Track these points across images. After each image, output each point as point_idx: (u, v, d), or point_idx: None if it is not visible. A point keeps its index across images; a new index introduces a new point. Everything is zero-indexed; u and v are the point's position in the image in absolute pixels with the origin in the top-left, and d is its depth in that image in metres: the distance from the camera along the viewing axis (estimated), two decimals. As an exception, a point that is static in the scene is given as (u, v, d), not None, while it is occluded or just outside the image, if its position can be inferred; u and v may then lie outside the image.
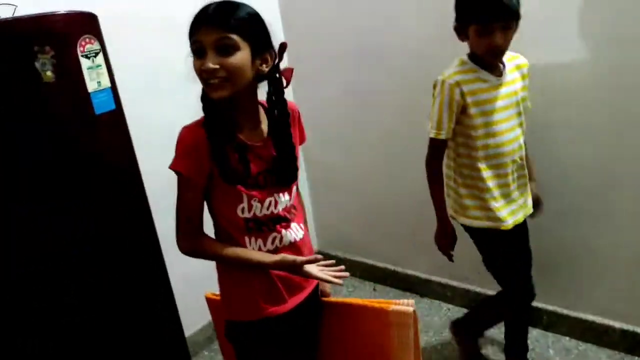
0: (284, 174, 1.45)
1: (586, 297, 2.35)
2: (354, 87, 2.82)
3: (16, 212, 1.41)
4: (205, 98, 1.35)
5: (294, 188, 1.52)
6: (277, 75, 1.41)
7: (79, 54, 1.44)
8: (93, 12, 1.55)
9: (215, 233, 1.50)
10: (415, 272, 2.95)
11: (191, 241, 1.43)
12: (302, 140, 1.58)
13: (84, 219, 1.53)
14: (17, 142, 1.38)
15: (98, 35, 1.50)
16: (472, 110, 1.78)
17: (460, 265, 2.73)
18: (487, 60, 1.78)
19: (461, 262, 2.71)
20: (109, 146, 1.56)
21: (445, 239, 2.07)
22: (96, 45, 1.48)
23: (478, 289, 2.70)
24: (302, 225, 1.55)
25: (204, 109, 1.36)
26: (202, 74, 1.28)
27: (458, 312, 2.75)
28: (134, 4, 2.16)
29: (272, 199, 1.44)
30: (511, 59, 1.87)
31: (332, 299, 1.72)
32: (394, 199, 2.89)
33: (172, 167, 1.36)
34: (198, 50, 1.28)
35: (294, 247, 1.50)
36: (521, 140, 1.88)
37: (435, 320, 2.73)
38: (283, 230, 1.47)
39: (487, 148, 1.83)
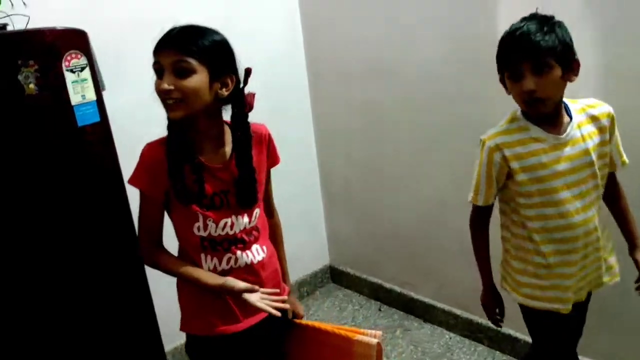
0: (242, 197, 1.46)
1: (590, 341, 2.24)
2: (371, 105, 2.82)
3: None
4: (169, 117, 1.40)
5: (256, 210, 1.53)
6: (240, 99, 1.43)
7: (64, 68, 1.50)
8: (83, 28, 1.61)
9: (178, 248, 1.54)
10: (421, 297, 2.91)
11: (150, 254, 1.50)
12: (273, 163, 1.60)
13: (65, 228, 1.59)
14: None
15: (86, 51, 1.55)
16: (521, 177, 1.52)
17: (465, 294, 2.68)
18: (529, 112, 1.51)
19: (466, 291, 2.67)
20: (92, 157, 1.61)
21: (490, 305, 1.82)
22: (82, 60, 1.54)
23: (481, 320, 2.63)
24: (264, 247, 1.57)
25: (168, 127, 1.40)
26: (159, 93, 1.32)
27: (459, 342, 2.69)
28: (140, 24, 2.23)
29: (228, 220, 1.46)
30: (583, 110, 1.56)
31: (302, 321, 1.73)
32: (406, 221, 2.86)
33: (129, 181, 1.42)
34: (158, 71, 1.33)
35: (251, 269, 1.52)
36: (595, 208, 1.56)
37: (434, 348, 2.68)
38: (238, 252, 1.49)
39: (545, 219, 1.53)
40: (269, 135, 1.57)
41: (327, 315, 3.08)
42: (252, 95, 1.46)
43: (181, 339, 2.56)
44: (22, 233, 1.52)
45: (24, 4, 1.92)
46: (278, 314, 1.44)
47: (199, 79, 1.32)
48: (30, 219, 1.53)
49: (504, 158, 1.53)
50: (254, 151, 1.48)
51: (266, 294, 1.45)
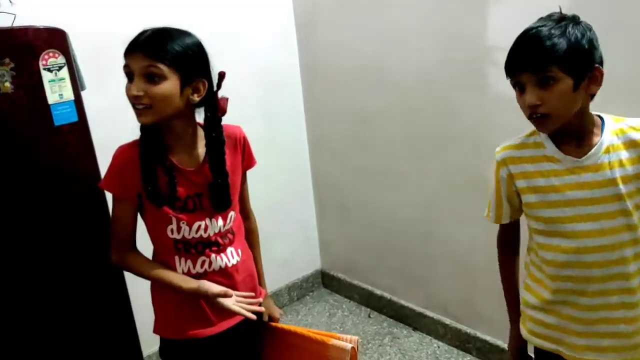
0: (216, 200, 1.45)
1: None
2: (364, 113, 2.79)
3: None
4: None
5: (231, 214, 1.51)
6: (213, 103, 1.41)
7: (41, 67, 1.50)
8: (70, 27, 1.61)
9: (153, 251, 1.52)
10: (411, 304, 2.87)
11: (120, 255, 1.49)
12: (248, 165, 1.58)
13: (41, 230, 1.57)
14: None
15: (64, 50, 1.54)
16: (529, 198, 1.34)
17: (455, 304, 2.65)
18: (537, 129, 1.31)
19: (456, 301, 2.64)
20: (69, 157, 1.60)
21: (514, 353, 1.57)
22: (60, 60, 1.53)
23: (469, 330, 2.60)
24: (239, 250, 1.55)
25: (141, 129, 1.39)
26: (129, 98, 1.31)
27: (447, 351, 2.66)
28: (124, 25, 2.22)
29: (202, 223, 1.44)
30: (622, 131, 1.27)
31: (278, 324, 1.71)
32: (398, 228, 2.83)
33: (100, 185, 1.40)
34: (128, 74, 1.31)
35: (225, 273, 1.50)
36: (628, 251, 1.27)
37: (422, 357, 2.65)
38: (213, 255, 1.48)
39: (553, 249, 1.32)
40: (244, 137, 1.55)
41: (317, 320, 3.05)
42: (226, 99, 1.44)
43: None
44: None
45: (10, 2, 1.91)
46: (253, 317, 1.43)
47: (169, 85, 1.30)
48: (3, 220, 1.51)
49: (510, 175, 1.36)
50: (228, 154, 1.46)
51: (241, 297, 1.44)
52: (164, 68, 1.28)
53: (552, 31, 1.20)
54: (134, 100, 1.30)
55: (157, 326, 1.55)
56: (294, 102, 3.10)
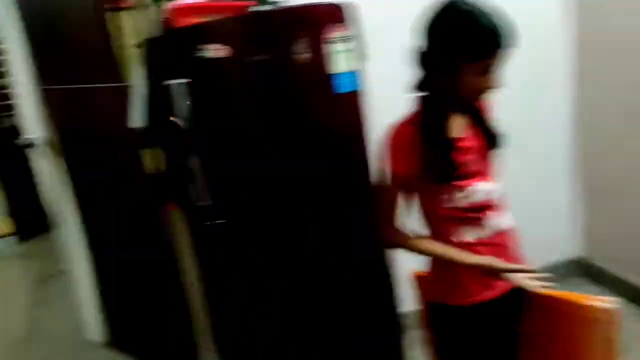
0: (493, 137, 1.49)
1: None
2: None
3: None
4: (429, 100, 1.42)
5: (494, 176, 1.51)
6: None
7: (330, 39, 1.63)
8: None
9: (428, 226, 1.55)
10: (694, 309, 2.48)
11: (393, 234, 1.53)
12: None
13: (320, 185, 1.73)
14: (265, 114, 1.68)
15: (350, 23, 1.65)
16: None
17: None
18: None
19: None
20: (344, 121, 1.72)
21: None
22: (346, 33, 1.65)
23: None
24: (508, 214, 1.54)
25: (426, 105, 1.43)
26: (487, 90, 1.37)
27: None
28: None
29: (481, 186, 1.45)
30: None
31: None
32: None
33: (388, 168, 1.45)
34: (487, 68, 1.33)
35: (504, 236, 1.51)
36: None
37: None
38: (494, 216, 1.48)
39: None
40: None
41: (573, 310, 2.82)
42: None
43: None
44: (277, 194, 1.71)
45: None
46: (545, 292, 1.39)
47: None
48: (286, 177, 1.71)
49: None
50: None
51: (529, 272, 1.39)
52: None
53: None
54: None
55: (440, 293, 1.56)
56: (558, 71, 2.88)
